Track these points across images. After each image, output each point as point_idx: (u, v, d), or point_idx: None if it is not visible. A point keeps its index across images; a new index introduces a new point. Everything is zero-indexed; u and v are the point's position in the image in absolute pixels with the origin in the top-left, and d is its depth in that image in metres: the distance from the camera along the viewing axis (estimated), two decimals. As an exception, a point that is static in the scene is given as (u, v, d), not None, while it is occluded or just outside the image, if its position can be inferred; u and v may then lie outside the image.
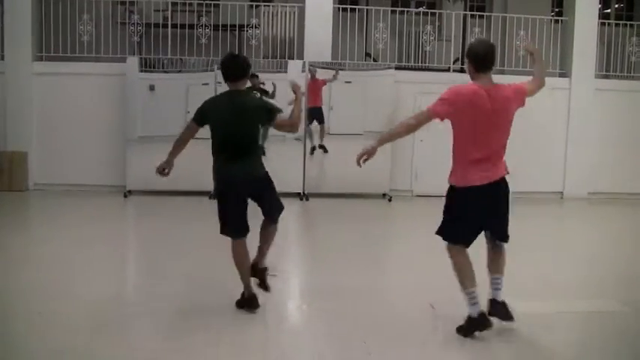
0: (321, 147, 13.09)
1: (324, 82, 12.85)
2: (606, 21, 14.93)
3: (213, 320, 5.44)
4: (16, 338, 5.01)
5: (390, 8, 15.05)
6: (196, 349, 4.84)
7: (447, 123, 5.13)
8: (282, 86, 12.88)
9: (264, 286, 5.86)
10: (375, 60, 14.45)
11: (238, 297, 5.75)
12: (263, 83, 12.60)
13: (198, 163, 12.64)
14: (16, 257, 7.72)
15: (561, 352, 5.08)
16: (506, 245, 5.27)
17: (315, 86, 12.80)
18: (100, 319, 5.48)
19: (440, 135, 13.78)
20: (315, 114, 12.92)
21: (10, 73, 12.66)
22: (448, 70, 14.06)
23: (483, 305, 5.13)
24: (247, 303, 5.66)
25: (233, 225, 5.62)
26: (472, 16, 15.21)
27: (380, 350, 4.87)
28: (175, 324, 5.37)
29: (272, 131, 12.77)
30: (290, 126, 5.73)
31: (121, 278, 7.24)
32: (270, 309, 5.82)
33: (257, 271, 5.81)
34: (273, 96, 12.17)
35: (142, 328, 5.28)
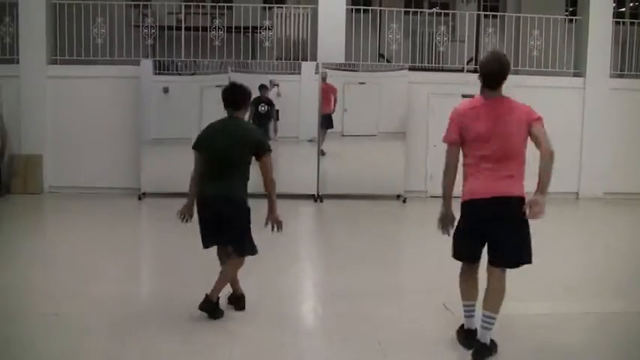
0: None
1: (335, 89, 12.88)
2: (621, 20, 14.81)
3: (228, 322, 5.45)
4: (31, 339, 5.03)
5: (403, 9, 15.02)
6: (210, 351, 4.84)
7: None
8: (294, 87, 12.95)
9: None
10: (388, 61, 14.44)
11: (251, 300, 5.83)
12: (277, 85, 12.66)
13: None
14: (32, 258, 7.77)
15: (576, 352, 5.05)
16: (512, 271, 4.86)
17: (326, 91, 12.84)
18: (115, 319, 5.50)
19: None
20: (324, 120, 12.97)
21: (24, 77, 12.74)
22: (462, 70, 14.01)
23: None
24: (235, 301, 5.81)
25: (203, 240, 5.67)
26: (486, 16, 15.14)
27: (395, 351, 4.86)
28: (189, 325, 5.37)
29: (286, 132, 12.97)
30: (266, 174, 5.63)
31: (135, 279, 7.27)
32: (285, 311, 5.82)
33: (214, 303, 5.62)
34: (275, 110, 12.57)
35: (155, 329, 5.29)
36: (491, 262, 4.75)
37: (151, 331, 5.25)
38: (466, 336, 4.94)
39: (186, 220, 5.70)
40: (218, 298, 5.59)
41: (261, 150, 5.58)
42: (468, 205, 4.80)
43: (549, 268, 7.45)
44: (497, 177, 4.69)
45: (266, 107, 12.70)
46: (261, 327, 5.37)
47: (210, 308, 5.50)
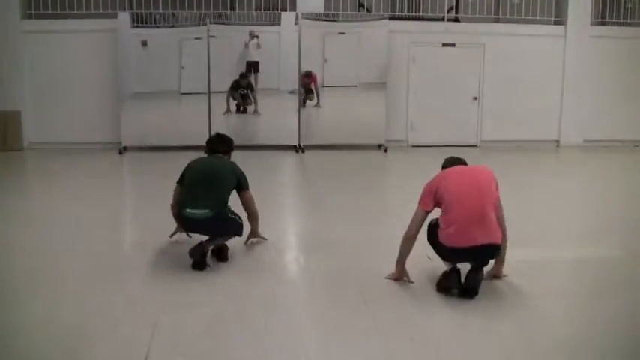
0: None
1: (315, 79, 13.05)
2: (601, -34, 14.75)
3: (211, 273, 5.48)
4: (15, 293, 5.05)
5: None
6: (193, 301, 4.88)
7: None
8: (273, 38, 12.88)
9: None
10: (368, 10, 14.31)
11: (235, 251, 5.95)
12: (257, 36, 12.59)
13: (190, 118, 12.74)
14: (14, 215, 7.75)
15: (556, 298, 5.13)
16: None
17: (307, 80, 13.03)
18: (98, 272, 5.53)
19: (433, 87, 13.83)
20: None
21: (-1, 32, 12.55)
22: (442, 19, 13.92)
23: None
24: (217, 252, 5.87)
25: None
26: (466, -37, 15.02)
27: (375, 300, 4.92)
28: (172, 276, 5.40)
29: (267, 84, 12.92)
30: (249, 207, 6.03)
31: (118, 233, 7.29)
32: (267, 262, 5.86)
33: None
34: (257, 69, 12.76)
35: (138, 280, 5.32)
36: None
37: (134, 282, 5.28)
38: (452, 269, 5.02)
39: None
40: (208, 250, 5.67)
41: (245, 183, 5.95)
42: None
43: (528, 215, 7.53)
44: (480, 228, 4.92)
45: (246, 91, 12.85)
46: (243, 278, 5.41)
47: (200, 255, 5.52)
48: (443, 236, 4.97)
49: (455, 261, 5.05)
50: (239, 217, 5.92)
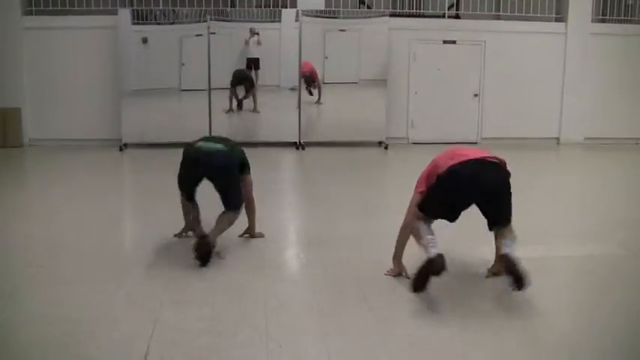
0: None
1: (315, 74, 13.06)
2: (602, -37, 14.73)
3: (211, 270, 5.47)
4: (15, 290, 5.04)
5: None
6: (194, 297, 4.88)
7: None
8: (274, 35, 12.89)
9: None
10: (369, 7, 14.29)
11: (236, 248, 5.98)
12: (258, 33, 12.59)
13: (191, 115, 12.74)
14: (14, 212, 7.74)
15: (556, 296, 5.13)
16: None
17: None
18: (98, 269, 5.51)
19: (434, 84, 13.82)
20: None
21: (-1, 29, 12.53)
22: (443, 16, 13.90)
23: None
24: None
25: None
26: (467, -40, 15.00)
27: (376, 296, 4.91)
28: (172, 273, 5.40)
29: (267, 81, 12.91)
30: (249, 192, 6.05)
31: (118, 230, 7.27)
32: (267, 258, 5.85)
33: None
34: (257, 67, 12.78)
35: (138, 278, 5.31)
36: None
37: (134, 279, 5.27)
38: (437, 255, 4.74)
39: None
40: (215, 245, 5.63)
41: (247, 166, 5.97)
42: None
43: (528, 213, 7.52)
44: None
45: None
46: (244, 275, 5.40)
47: (205, 250, 5.48)
48: (436, 175, 4.92)
49: (454, 206, 4.91)
50: (252, 208, 6.08)
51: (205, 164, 5.70)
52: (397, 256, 5.28)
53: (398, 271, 5.27)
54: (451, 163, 4.87)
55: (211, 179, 5.77)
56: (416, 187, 5.18)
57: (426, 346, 4.15)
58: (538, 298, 4.97)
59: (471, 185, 4.83)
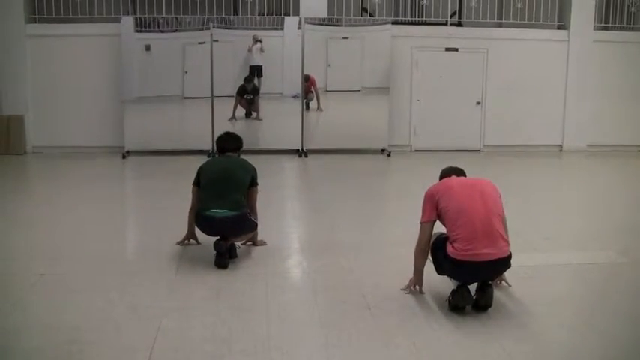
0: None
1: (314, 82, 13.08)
2: (605, -29, 14.75)
3: (213, 278, 5.48)
4: (18, 298, 5.04)
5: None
6: (196, 306, 4.88)
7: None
8: (277, 43, 12.93)
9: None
10: (371, 15, 14.31)
11: (238, 256, 6.01)
12: (260, 41, 12.64)
13: (193, 122, 12.77)
14: (17, 219, 7.76)
15: (558, 303, 5.12)
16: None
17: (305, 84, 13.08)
18: (101, 277, 5.52)
19: (436, 92, 13.85)
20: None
21: (3, 37, 12.57)
22: (445, 23, 13.92)
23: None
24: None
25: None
26: (469, -32, 15.03)
27: (379, 303, 4.91)
28: (174, 281, 5.41)
29: (270, 88, 12.93)
30: (253, 203, 6.13)
31: (121, 237, 7.27)
32: (270, 265, 5.85)
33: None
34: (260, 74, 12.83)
35: (141, 286, 5.31)
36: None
37: (138, 287, 5.28)
38: (460, 286, 4.80)
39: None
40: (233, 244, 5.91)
41: (256, 179, 6.09)
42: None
43: (530, 220, 7.54)
44: (486, 243, 4.76)
45: (252, 96, 12.89)
46: (247, 282, 5.41)
47: (224, 250, 5.71)
48: (449, 250, 4.77)
49: (462, 278, 4.83)
50: (255, 218, 6.11)
51: (220, 229, 5.82)
52: (418, 269, 5.12)
53: (417, 283, 5.13)
54: (453, 233, 4.77)
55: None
56: (422, 213, 5.00)
57: (429, 353, 4.15)
58: (541, 305, 4.97)
59: (474, 277, 4.85)
